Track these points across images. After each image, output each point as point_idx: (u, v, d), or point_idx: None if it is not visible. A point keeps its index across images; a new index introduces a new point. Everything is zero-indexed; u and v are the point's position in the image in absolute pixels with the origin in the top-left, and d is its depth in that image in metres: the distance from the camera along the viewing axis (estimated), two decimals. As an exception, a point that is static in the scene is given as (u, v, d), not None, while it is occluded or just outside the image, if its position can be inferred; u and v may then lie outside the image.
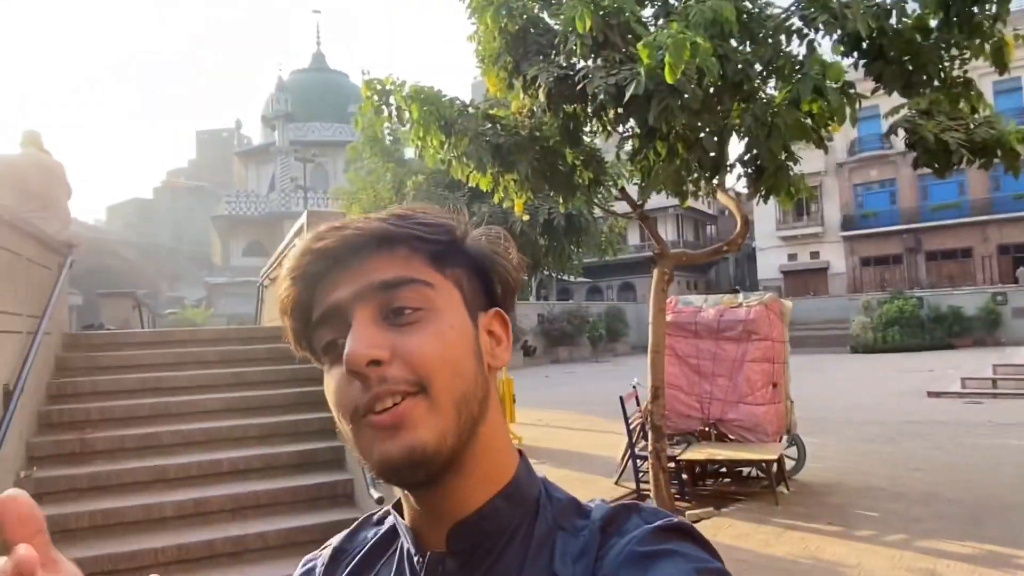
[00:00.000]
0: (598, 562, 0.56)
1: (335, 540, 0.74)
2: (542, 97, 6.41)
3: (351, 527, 0.74)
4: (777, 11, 6.60)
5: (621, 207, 8.75)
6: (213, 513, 4.46)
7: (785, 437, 7.18)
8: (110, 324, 8.06)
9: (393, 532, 0.68)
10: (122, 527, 4.25)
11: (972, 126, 6.81)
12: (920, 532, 5.59)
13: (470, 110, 6.97)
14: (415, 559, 0.62)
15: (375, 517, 0.73)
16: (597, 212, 13.09)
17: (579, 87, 6.11)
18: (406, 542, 0.64)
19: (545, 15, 6.91)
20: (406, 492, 0.62)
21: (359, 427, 0.57)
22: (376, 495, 3.79)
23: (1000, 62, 6.93)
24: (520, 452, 0.67)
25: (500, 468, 0.63)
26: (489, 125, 7.36)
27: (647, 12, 7.15)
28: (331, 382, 0.59)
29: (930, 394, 13.87)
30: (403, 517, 0.64)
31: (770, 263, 35.07)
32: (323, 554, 0.73)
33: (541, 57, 6.48)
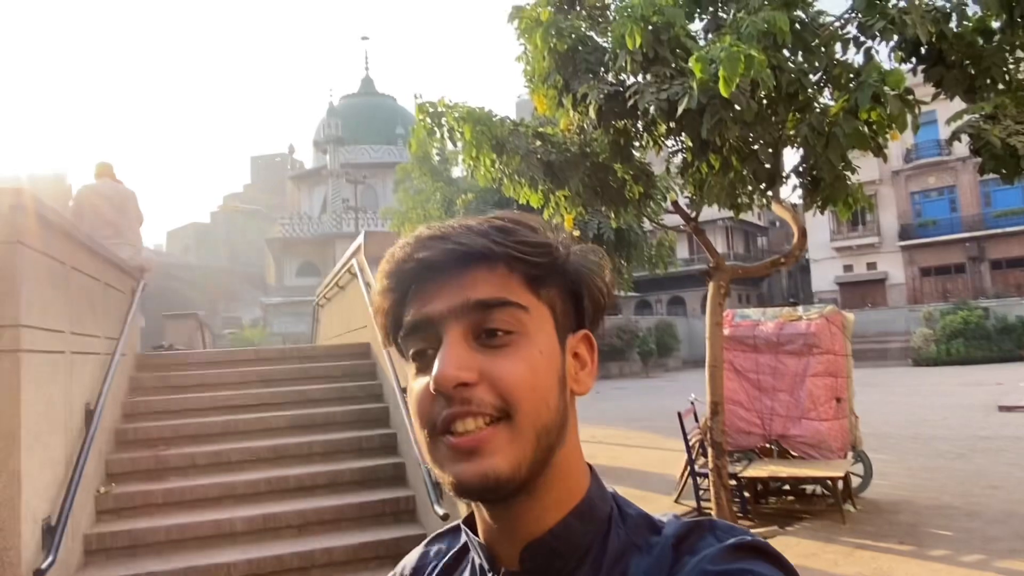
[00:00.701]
0: None
1: (409, 560, 0.75)
2: (592, 114, 6.44)
3: (423, 543, 0.76)
4: (830, 19, 6.52)
5: (670, 220, 8.71)
6: (281, 528, 4.57)
7: (850, 454, 6.98)
8: (178, 345, 8.36)
9: (465, 548, 0.69)
10: (196, 541, 4.38)
11: (1034, 132, 6.59)
12: (999, 552, 5.36)
13: (520, 129, 7.06)
14: (488, 575, 0.63)
15: (446, 533, 0.74)
16: (647, 226, 13.06)
17: (629, 103, 6.12)
18: (478, 558, 0.65)
19: (594, 34, 6.96)
20: (479, 505, 0.62)
21: (435, 441, 0.58)
22: (441, 511, 3.83)
23: (1068, 62, 6.71)
24: (591, 468, 0.66)
25: (573, 488, 0.63)
26: (539, 143, 7.44)
27: (696, 26, 7.15)
28: (415, 388, 0.60)
29: (1001, 408, 13.30)
30: (474, 531, 0.65)
31: (825, 275, 34.23)
32: (402, 573, 0.74)
33: (591, 75, 6.53)
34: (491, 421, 0.56)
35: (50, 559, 3.29)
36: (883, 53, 6.66)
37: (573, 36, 6.68)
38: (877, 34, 6.26)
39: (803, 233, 7.10)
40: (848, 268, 33.70)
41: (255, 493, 4.85)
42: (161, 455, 5.04)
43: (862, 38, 6.26)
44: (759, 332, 7.06)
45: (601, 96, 6.21)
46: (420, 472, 4.43)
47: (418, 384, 0.59)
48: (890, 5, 6.09)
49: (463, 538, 0.70)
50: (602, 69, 6.66)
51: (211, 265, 55.22)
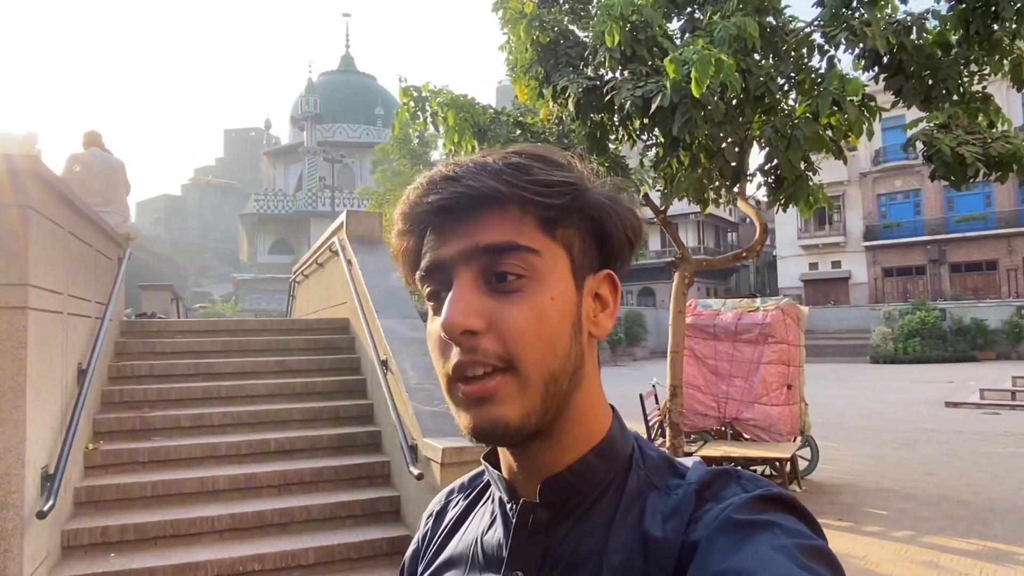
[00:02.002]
0: (691, 525, 0.55)
1: (435, 501, 0.78)
2: (571, 106, 6.72)
3: (448, 487, 0.78)
4: (800, 25, 6.87)
5: (643, 214, 9.05)
6: (262, 488, 4.83)
7: (799, 438, 7.43)
8: (160, 314, 8.51)
9: (488, 485, 0.71)
10: (181, 497, 4.63)
11: (989, 140, 7.00)
12: (927, 529, 5.82)
13: (502, 118, 7.32)
14: (508, 506, 0.64)
15: (472, 476, 0.76)
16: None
17: (607, 98, 6.41)
18: (498, 491, 0.66)
19: (576, 28, 7.24)
20: None
21: (451, 386, 0.59)
22: (416, 472, 4.13)
23: (1018, 79, 7.12)
24: (614, 409, 0.66)
25: (593, 428, 0.63)
26: (519, 132, 7.72)
27: (674, 26, 7.45)
28: (432, 330, 0.61)
29: (948, 404, 13.97)
30: (495, 467, 0.66)
31: (791, 272, 35.04)
32: (432, 509, 0.77)
33: (571, 68, 6.80)
34: (497, 370, 0.57)
35: (50, 503, 3.52)
36: (848, 61, 7.03)
37: (556, 30, 6.94)
38: (841, 43, 6.62)
39: (764, 228, 7.48)
40: (813, 266, 34.53)
41: (237, 454, 5.09)
42: (146, 416, 5.26)
43: (826, 46, 6.61)
44: (719, 321, 7.46)
45: (580, 89, 6.49)
46: (395, 439, 4.71)
47: (434, 327, 0.60)
48: (854, 16, 6.43)
49: (486, 477, 0.72)
50: (582, 63, 6.94)
51: (181, 239, 54.54)
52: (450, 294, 0.58)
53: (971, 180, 7.08)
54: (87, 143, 6.61)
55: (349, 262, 6.56)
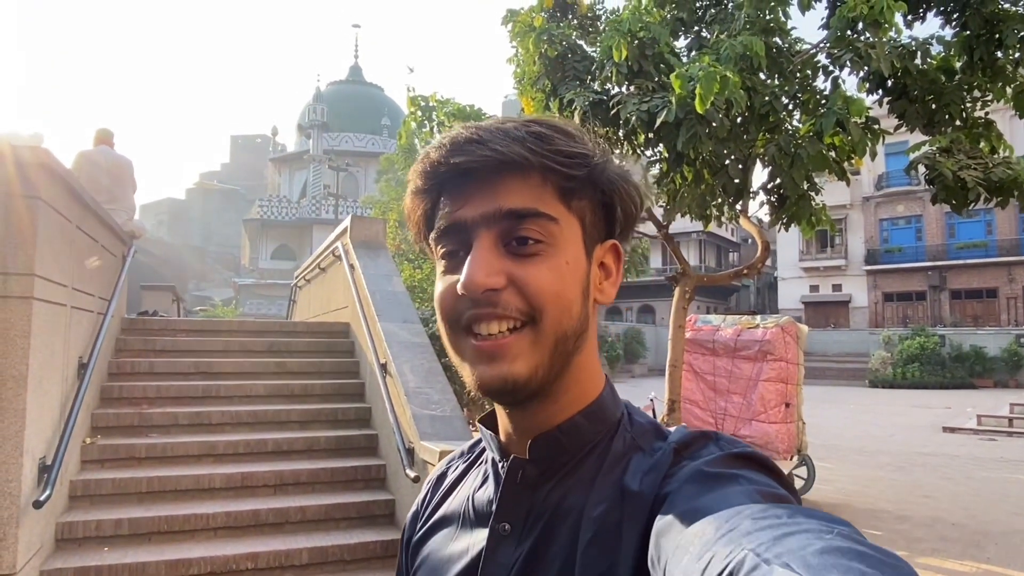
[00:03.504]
0: (666, 479, 0.57)
1: (436, 467, 0.81)
2: (577, 119, 6.78)
3: (450, 455, 0.82)
4: (806, 47, 6.94)
5: (645, 229, 9.10)
6: (258, 487, 4.83)
7: (795, 456, 7.42)
8: (161, 312, 8.53)
9: (484, 449, 0.74)
10: (176, 493, 4.63)
11: (991, 165, 7.06)
12: (921, 551, 5.81)
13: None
14: (499, 464, 0.66)
15: (473, 444, 0.79)
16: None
17: (612, 112, 6.47)
18: (491, 451, 0.69)
19: (583, 43, 7.32)
20: (498, 405, 0.66)
21: (459, 336, 0.61)
22: (412, 474, 4.14)
23: (1021, 106, 7.19)
24: (607, 377, 0.69)
25: (586, 391, 0.65)
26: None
27: (680, 43, 7.54)
28: (441, 286, 0.62)
29: (945, 429, 13.95)
30: (489, 429, 0.69)
31: (792, 293, 35.06)
32: (432, 475, 0.81)
33: (578, 82, 6.87)
34: (515, 327, 0.59)
35: (47, 493, 3.53)
36: (852, 82, 7.10)
37: (564, 44, 7.02)
38: (847, 65, 6.69)
39: (766, 247, 7.52)
40: (814, 288, 34.55)
41: (234, 453, 5.10)
42: (144, 413, 5.27)
43: (831, 67, 6.68)
44: (718, 337, 7.48)
45: (586, 103, 6.56)
46: (392, 443, 4.72)
47: (445, 282, 0.62)
48: (859, 39, 6.50)
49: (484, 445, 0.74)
50: (589, 77, 7.01)
51: (184, 242, 54.66)
52: (471, 254, 0.59)
53: (972, 204, 7.14)
54: (98, 140, 6.67)
55: (352, 266, 6.59)
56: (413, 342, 5.34)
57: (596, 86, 6.88)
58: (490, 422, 0.70)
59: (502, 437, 0.67)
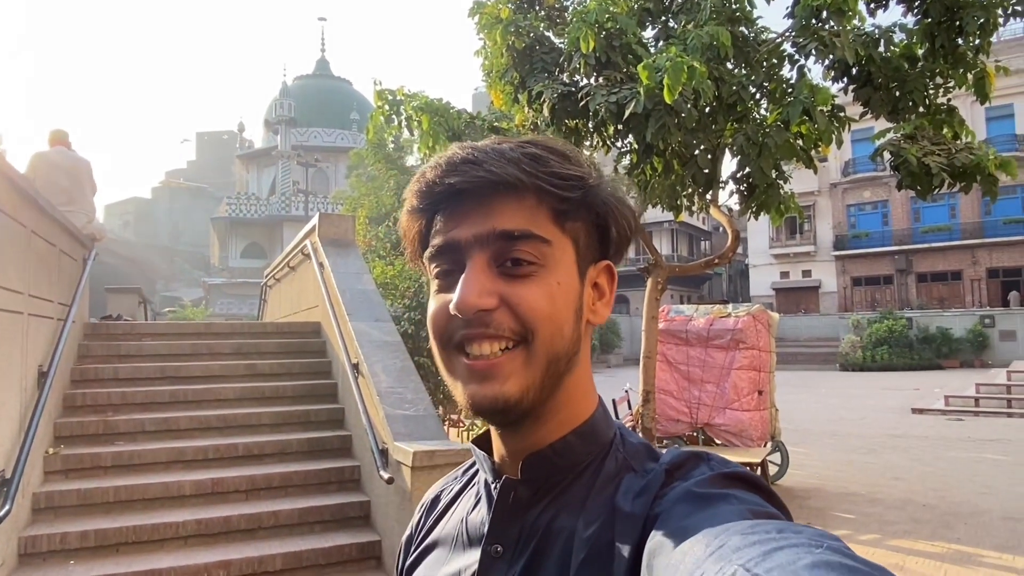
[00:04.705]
0: (657, 500, 0.57)
1: (432, 488, 0.81)
2: (546, 112, 6.74)
3: (445, 476, 0.81)
4: (772, 36, 6.97)
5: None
6: (229, 493, 4.74)
7: (769, 443, 7.49)
8: (126, 316, 8.34)
9: (478, 471, 0.73)
10: (144, 503, 4.52)
11: (954, 151, 7.16)
12: (893, 533, 5.91)
13: (477, 122, 7.32)
14: (492, 485, 0.66)
15: (465, 465, 0.79)
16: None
17: (581, 104, 6.44)
18: (484, 471, 0.69)
19: (551, 35, 7.27)
20: (491, 425, 0.66)
21: (451, 356, 0.62)
22: (386, 476, 4.08)
23: (981, 92, 7.30)
24: (600, 398, 0.69)
25: (578, 411, 0.65)
26: (495, 137, 7.73)
27: (648, 33, 7.52)
28: (434, 305, 0.63)
29: (914, 411, 14.22)
30: (483, 450, 0.70)
31: (762, 280, 35.47)
32: (426, 498, 0.80)
33: (546, 74, 6.83)
34: (508, 347, 0.59)
35: (6, 508, 3.42)
36: (818, 71, 7.15)
37: (531, 35, 6.96)
38: (812, 53, 6.73)
39: (736, 235, 7.56)
40: (785, 275, 34.98)
41: (204, 459, 4.99)
42: (109, 420, 5.14)
43: (797, 56, 6.72)
44: (691, 327, 7.51)
45: (555, 95, 6.52)
46: (366, 444, 4.65)
47: (438, 301, 0.63)
48: (823, 28, 6.53)
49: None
50: (557, 69, 6.97)
51: (151, 242, 53.68)
52: (464, 275, 0.60)
53: (936, 190, 7.24)
54: (53, 141, 6.47)
55: (321, 265, 6.49)
56: (385, 341, 5.27)
57: (565, 78, 6.84)
58: (484, 443, 0.70)
59: (496, 458, 0.68)
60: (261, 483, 4.82)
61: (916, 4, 6.85)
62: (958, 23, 6.74)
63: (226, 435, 5.32)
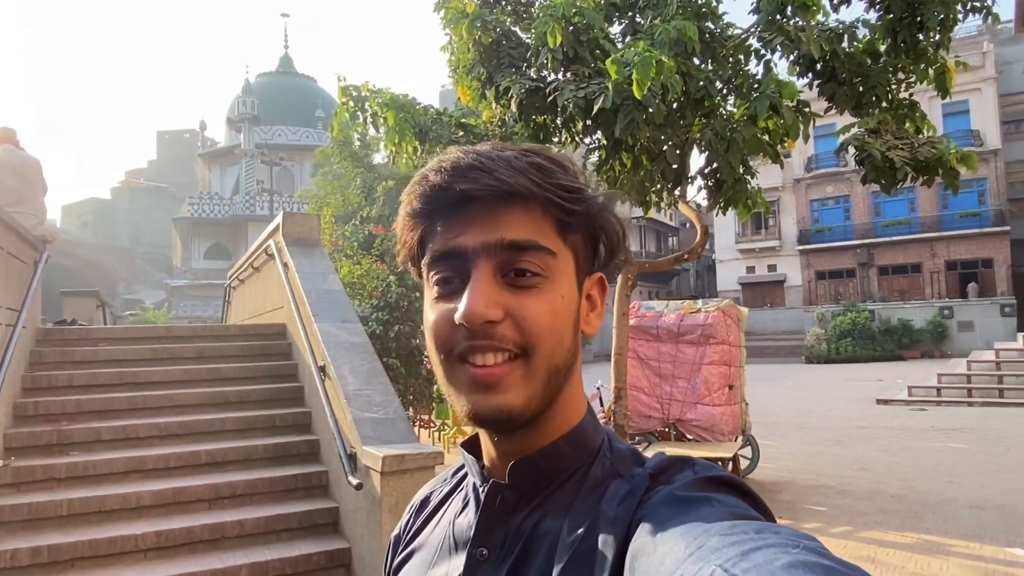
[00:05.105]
0: (641, 504, 0.57)
1: (421, 490, 0.81)
2: (514, 107, 6.66)
3: (434, 479, 0.81)
4: (738, 31, 6.98)
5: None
6: (191, 502, 4.57)
7: (740, 437, 7.52)
8: (81, 321, 8.05)
9: (467, 475, 0.73)
10: (101, 515, 4.33)
11: (916, 145, 7.26)
12: (863, 524, 5.96)
13: (444, 118, 7.20)
14: (480, 489, 0.67)
15: (455, 467, 0.79)
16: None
17: (549, 99, 6.37)
18: (472, 475, 0.69)
19: (518, 29, 7.19)
20: (484, 431, 0.66)
21: (453, 366, 0.61)
22: (355, 481, 3.96)
23: (942, 87, 7.40)
24: (588, 405, 0.69)
25: (569, 418, 0.66)
26: (462, 133, 7.61)
27: (615, 29, 7.48)
28: (433, 314, 0.62)
29: (879, 401, 14.48)
30: (472, 454, 0.70)
31: (729, 275, 35.88)
32: (415, 500, 0.80)
33: (513, 69, 6.74)
34: (510, 357, 0.59)
35: (-50, 526, 3.23)
36: (784, 67, 7.19)
37: (498, 30, 6.87)
38: (778, 48, 6.76)
39: (705, 231, 7.57)
40: (751, 269, 35.43)
41: (164, 468, 4.81)
42: (64, 429, 4.92)
43: (763, 51, 6.74)
44: (661, 323, 7.50)
45: (523, 91, 6.43)
46: (334, 448, 4.53)
47: (438, 310, 0.62)
48: (788, 23, 6.56)
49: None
50: (524, 64, 6.88)
51: (111, 244, 52.36)
52: (470, 284, 0.59)
53: (900, 184, 7.34)
54: (0, 140, 6.20)
55: (285, 265, 6.32)
56: (352, 342, 5.14)
57: (532, 73, 6.76)
58: (473, 447, 0.70)
59: (485, 462, 0.68)
60: (225, 491, 4.66)
61: (879, 0, 6.90)
62: (919, 19, 6.81)
63: (188, 442, 5.14)
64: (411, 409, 9.99)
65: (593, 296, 0.67)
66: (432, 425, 10.13)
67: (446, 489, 0.77)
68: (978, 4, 6.90)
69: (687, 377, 7.27)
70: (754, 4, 6.77)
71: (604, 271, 0.69)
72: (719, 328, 7.28)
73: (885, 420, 12.13)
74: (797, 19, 6.66)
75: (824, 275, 33.53)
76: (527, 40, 7.03)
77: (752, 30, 6.89)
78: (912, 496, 6.83)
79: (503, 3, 7.48)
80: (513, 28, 7.15)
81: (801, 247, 33.49)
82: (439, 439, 9.63)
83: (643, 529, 0.53)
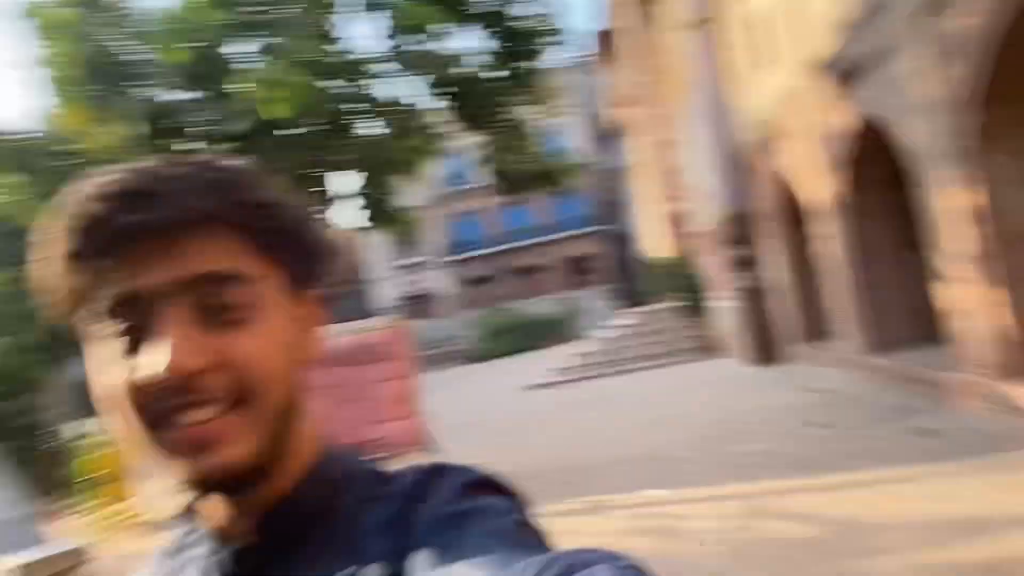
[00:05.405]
0: (409, 529, 0.53)
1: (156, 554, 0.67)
2: (137, 132, 5.95)
3: (151, 558, 0.67)
4: (374, 55, 7.19)
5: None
6: None
7: (424, 448, 7.75)
8: None
9: (189, 545, 0.62)
10: None
11: (537, 159, 8.35)
12: (551, 498, 6.56)
13: (53, 147, 6.10)
14: (216, 558, 0.57)
15: (173, 536, 0.66)
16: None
17: (176, 122, 5.85)
18: (201, 546, 0.59)
19: (134, 43, 6.42)
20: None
21: (156, 435, 0.51)
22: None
23: (543, 108, 8.60)
24: (326, 432, 0.64)
25: (305, 456, 0.60)
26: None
27: (243, 48, 7.15)
28: (120, 374, 0.51)
29: (530, 387, 16.23)
30: (193, 519, 0.60)
31: (388, 293, 37.03)
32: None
33: (132, 88, 6.01)
34: (226, 408, 0.51)
35: None
36: (417, 89, 7.63)
37: (108, 44, 6.07)
38: (409, 70, 7.15)
39: (356, 252, 7.68)
40: (407, 284, 37.10)
41: None
42: None
43: (395, 74, 7.09)
44: (335, 347, 7.38)
45: (149, 114, 5.78)
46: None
47: (124, 369, 0.50)
48: (420, 48, 6.97)
49: (189, 535, 0.63)
50: (142, 82, 6.19)
51: None
52: (164, 331, 0.49)
53: (521, 192, 8.38)
54: None
55: None
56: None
57: (154, 92, 6.10)
58: (188, 513, 0.60)
59: (214, 524, 0.58)
60: None
61: (491, 29, 7.72)
62: (521, 48, 7.81)
63: None
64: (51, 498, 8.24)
65: (310, 317, 0.61)
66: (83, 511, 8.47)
67: (169, 561, 0.63)
68: (558, 40, 8.06)
69: (365, 398, 7.27)
70: (385, 29, 7.07)
71: (318, 285, 0.62)
72: (391, 345, 7.42)
73: (539, 403, 13.63)
74: (421, 43, 7.11)
75: (470, 282, 36.59)
76: (148, 57, 6.33)
77: (384, 54, 7.18)
78: (584, 463, 7.74)
79: (111, 14, 6.63)
80: (128, 43, 6.38)
81: (447, 259, 36.06)
82: (102, 523, 8.10)
83: (422, 560, 0.49)
